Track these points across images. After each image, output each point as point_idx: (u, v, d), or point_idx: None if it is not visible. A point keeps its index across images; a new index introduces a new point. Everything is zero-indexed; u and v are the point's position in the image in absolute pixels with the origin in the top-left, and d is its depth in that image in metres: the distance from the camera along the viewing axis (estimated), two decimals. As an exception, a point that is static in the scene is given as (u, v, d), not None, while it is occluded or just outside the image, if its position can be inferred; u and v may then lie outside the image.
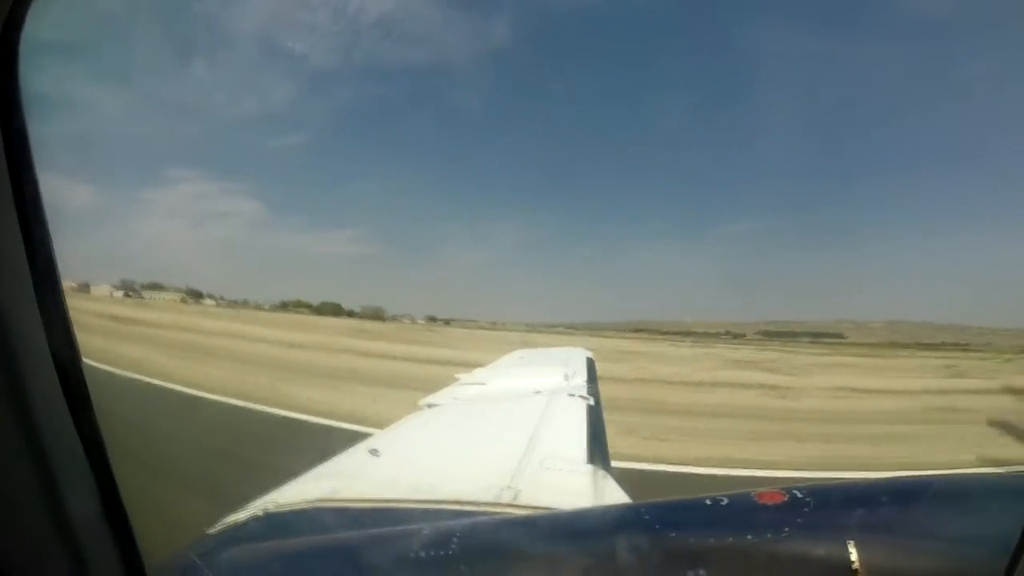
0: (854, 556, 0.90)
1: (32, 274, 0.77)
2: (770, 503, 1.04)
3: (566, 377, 3.85)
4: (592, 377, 4.01)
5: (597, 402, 3.29)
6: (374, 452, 2.23)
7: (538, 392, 3.43)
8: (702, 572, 0.97)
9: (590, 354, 4.99)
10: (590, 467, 2.15)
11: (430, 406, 3.27)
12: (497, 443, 2.47)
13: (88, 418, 0.83)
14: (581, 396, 3.34)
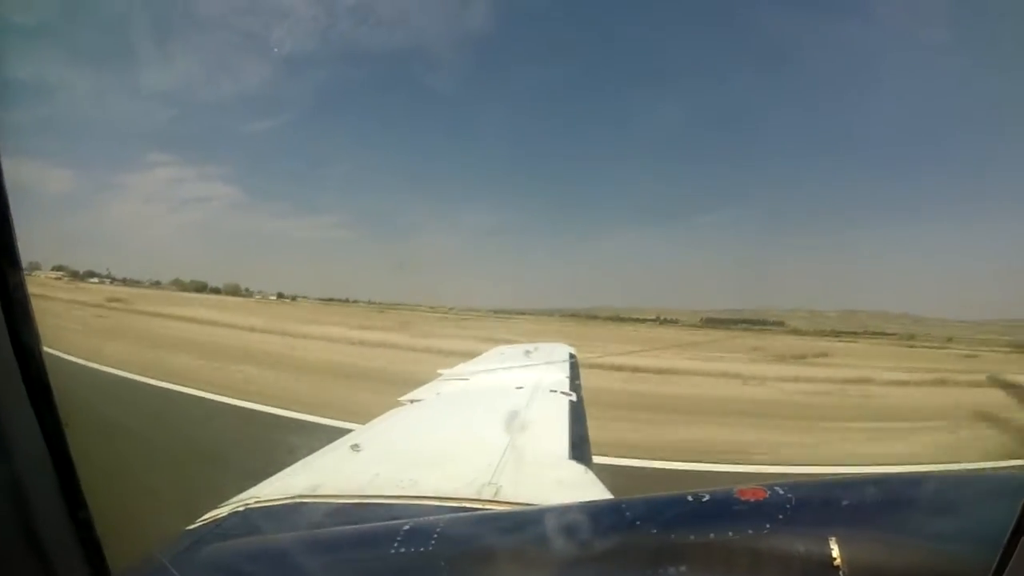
0: (836, 553, 0.91)
1: None
2: (752, 500, 1.05)
3: (548, 373, 3.86)
4: (575, 373, 4.03)
5: (579, 398, 3.31)
6: (355, 447, 2.21)
7: (520, 388, 3.43)
8: (683, 569, 0.97)
9: (572, 350, 5.02)
10: (571, 463, 2.16)
11: (412, 401, 3.25)
12: (478, 439, 2.47)
13: (51, 410, 0.80)
14: (563, 392, 3.36)
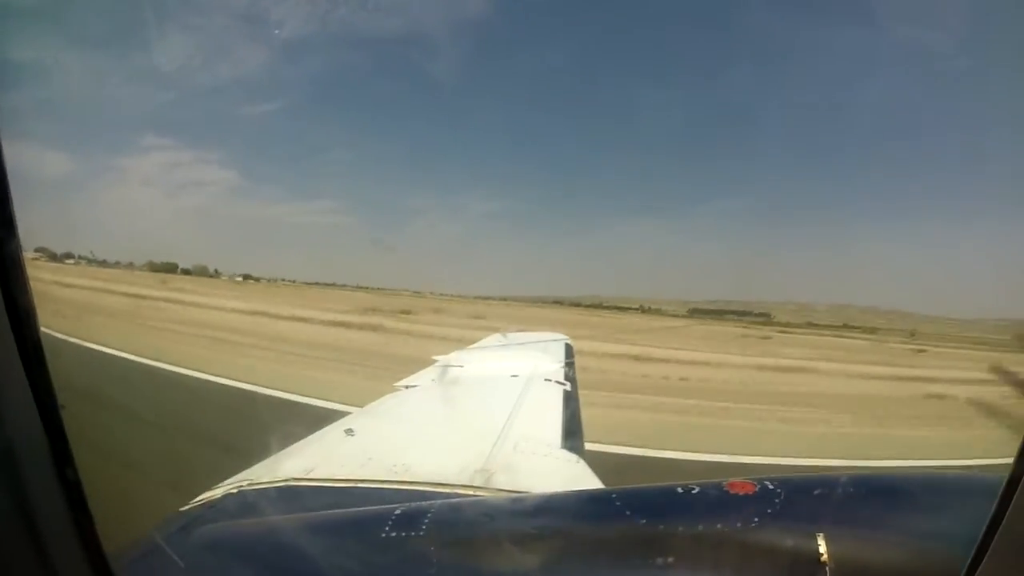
0: (823, 548, 0.92)
1: None
2: (741, 493, 1.06)
3: (543, 362, 3.87)
4: (570, 362, 4.04)
5: (573, 387, 3.32)
6: (349, 432, 2.22)
7: (515, 376, 3.45)
8: (671, 559, 0.99)
9: (568, 339, 5.03)
10: (563, 451, 2.17)
11: (407, 387, 3.26)
12: (472, 425, 2.48)
13: (47, 392, 0.80)
14: (557, 381, 3.37)
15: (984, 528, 0.77)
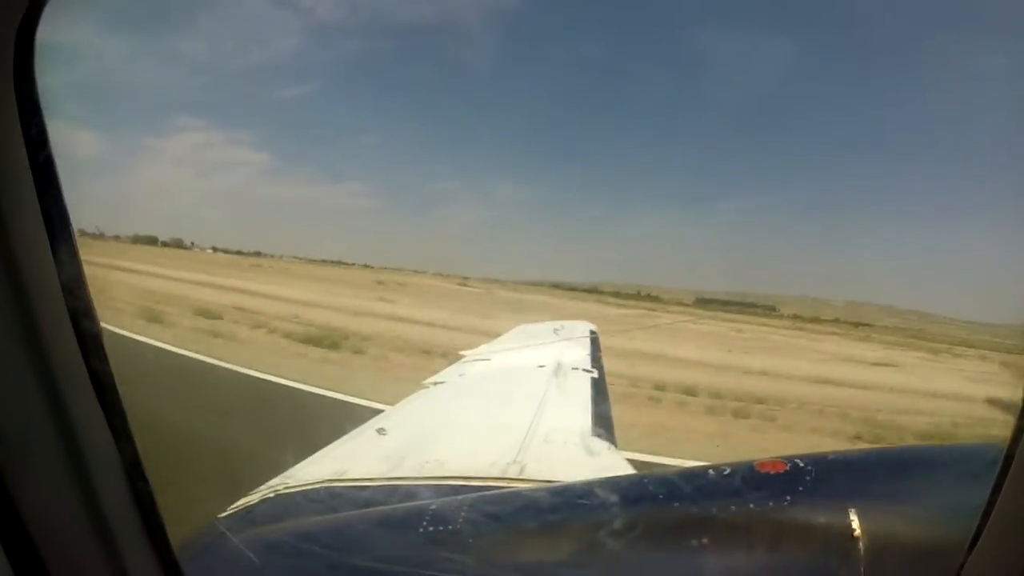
0: (855, 523, 0.90)
1: (53, 251, 0.75)
2: (772, 472, 1.04)
3: (569, 351, 3.86)
4: (596, 350, 4.02)
5: (601, 375, 3.30)
6: (381, 431, 2.25)
7: (542, 366, 3.44)
8: (706, 540, 0.98)
9: (593, 327, 5.00)
10: (594, 439, 2.17)
11: (436, 384, 3.29)
12: (502, 418, 2.49)
13: (111, 389, 0.81)
14: (585, 370, 3.36)
15: (986, 498, 0.75)
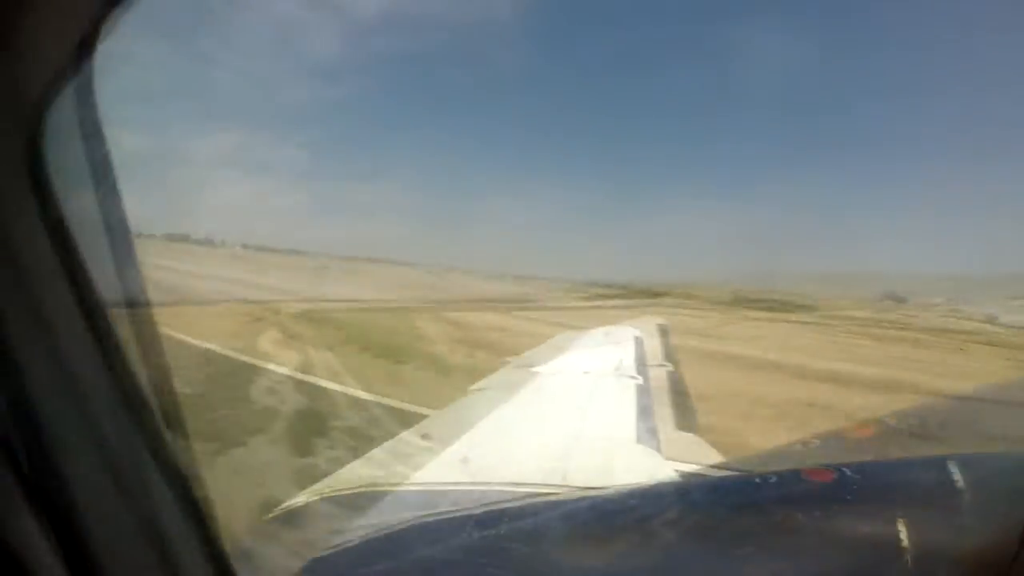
0: (903, 532, 0.87)
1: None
2: (819, 481, 1.01)
3: (612, 357, 3.82)
4: (640, 355, 3.95)
5: (645, 380, 3.25)
6: (426, 436, 2.29)
7: (586, 372, 3.42)
8: (751, 548, 0.95)
9: (638, 332, 4.92)
10: (639, 445, 2.13)
11: (480, 390, 3.32)
12: (546, 424, 2.49)
13: (171, 393, 0.85)
14: (629, 376, 3.31)
15: None
